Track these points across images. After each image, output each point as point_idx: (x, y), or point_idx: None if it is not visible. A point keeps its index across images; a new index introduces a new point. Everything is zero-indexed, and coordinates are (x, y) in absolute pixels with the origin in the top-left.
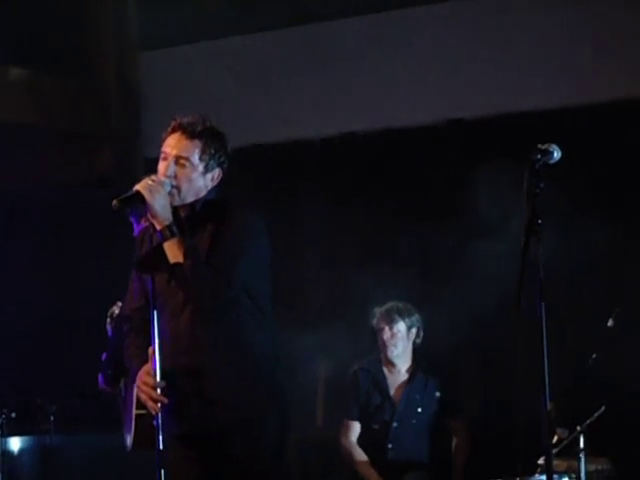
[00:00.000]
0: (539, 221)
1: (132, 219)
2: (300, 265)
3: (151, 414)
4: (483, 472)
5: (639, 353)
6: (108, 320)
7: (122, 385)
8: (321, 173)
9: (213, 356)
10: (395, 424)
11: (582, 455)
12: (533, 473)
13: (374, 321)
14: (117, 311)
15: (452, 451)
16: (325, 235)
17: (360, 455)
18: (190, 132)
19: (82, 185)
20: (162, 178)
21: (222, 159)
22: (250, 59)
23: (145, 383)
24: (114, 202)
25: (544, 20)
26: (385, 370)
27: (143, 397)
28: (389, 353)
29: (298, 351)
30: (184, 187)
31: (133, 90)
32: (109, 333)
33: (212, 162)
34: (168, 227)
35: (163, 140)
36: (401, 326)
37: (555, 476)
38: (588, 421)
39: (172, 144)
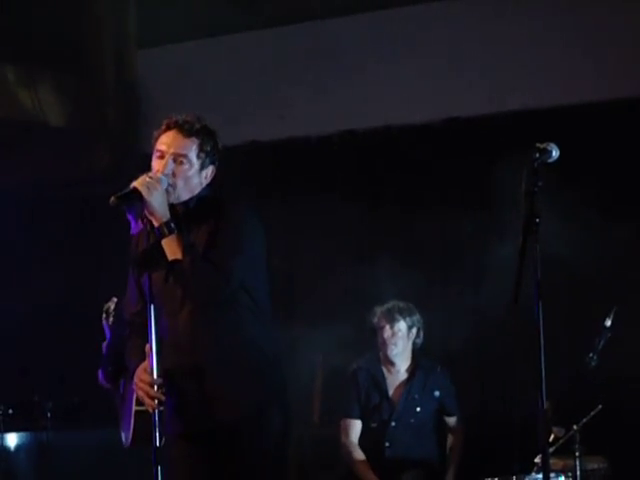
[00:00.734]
0: (537, 220)
1: (130, 216)
2: (297, 263)
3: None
4: (480, 471)
5: (636, 352)
6: (104, 316)
7: (121, 382)
8: (319, 171)
9: (213, 354)
10: (393, 423)
11: (578, 454)
12: (529, 472)
13: (374, 320)
14: (112, 307)
15: (447, 449)
16: (323, 233)
17: (359, 455)
18: (187, 130)
19: (80, 182)
20: (159, 175)
21: (215, 157)
22: (249, 56)
23: (142, 380)
24: (112, 199)
25: (542, 20)
26: (384, 369)
27: (140, 394)
28: (389, 352)
29: (294, 348)
30: (181, 184)
31: (131, 87)
32: (105, 329)
33: (207, 160)
34: (166, 224)
35: (156, 138)
36: (402, 325)
37: (551, 475)
38: (584, 420)
39: (168, 142)
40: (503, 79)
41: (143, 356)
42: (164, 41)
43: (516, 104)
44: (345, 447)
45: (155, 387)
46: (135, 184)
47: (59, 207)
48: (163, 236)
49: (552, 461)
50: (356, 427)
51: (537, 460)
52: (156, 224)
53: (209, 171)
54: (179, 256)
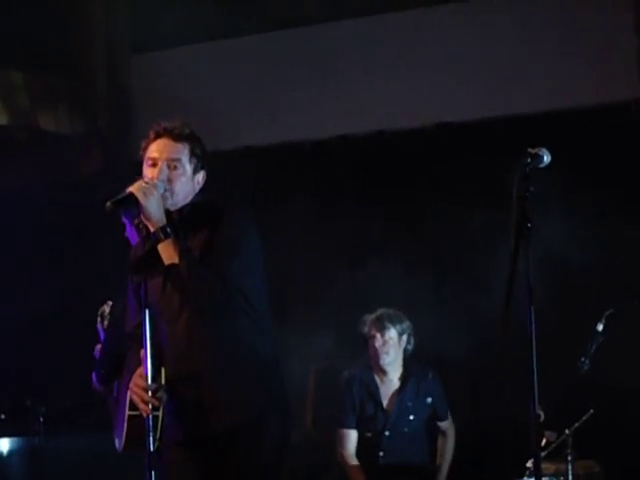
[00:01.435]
0: (529, 225)
1: (125, 220)
2: (290, 268)
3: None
4: (473, 475)
5: (628, 357)
6: (99, 319)
7: (115, 385)
8: (312, 176)
9: (212, 361)
10: (387, 433)
11: (570, 458)
12: (522, 476)
13: (365, 329)
14: (107, 310)
15: (438, 451)
16: (316, 238)
17: (356, 465)
18: (177, 135)
19: (73, 186)
20: (155, 180)
21: (204, 162)
22: (243, 61)
23: (137, 385)
24: (108, 204)
25: (535, 24)
26: (377, 379)
27: (135, 399)
28: (381, 361)
29: (286, 354)
30: (177, 189)
31: (124, 91)
32: (100, 332)
33: (199, 164)
34: (162, 229)
35: (145, 148)
36: (392, 333)
37: (543, 479)
38: (577, 424)
39: (160, 149)
40: (496, 84)
41: (140, 362)
42: (158, 46)
43: (509, 109)
44: (342, 457)
45: (149, 392)
46: (131, 189)
47: (53, 211)
48: (159, 241)
49: (544, 465)
50: (352, 437)
51: (529, 464)
52: (152, 229)
53: (201, 176)
54: (176, 260)
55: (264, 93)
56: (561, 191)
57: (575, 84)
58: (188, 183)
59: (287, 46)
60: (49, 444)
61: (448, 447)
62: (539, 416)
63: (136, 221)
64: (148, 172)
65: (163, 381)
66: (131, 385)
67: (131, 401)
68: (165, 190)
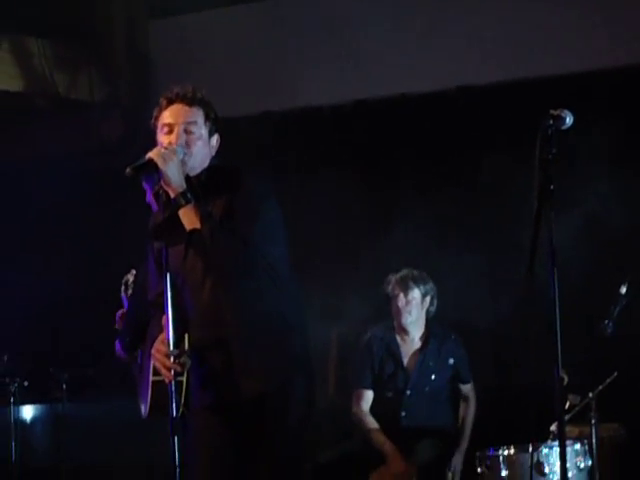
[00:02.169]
0: (551, 187)
1: (146, 185)
2: (311, 232)
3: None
4: (495, 439)
5: None
6: (123, 288)
7: (139, 352)
8: (331, 140)
9: (239, 326)
10: (408, 392)
11: (594, 421)
12: (545, 439)
13: (389, 288)
14: (131, 279)
15: (460, 416)
16: (337, 203)
17: (372, 423)
18: (190, 99)
19: (90, 154)
20: (174, 146)
21: (218, 125)
22: (261, 26)
23: (159, 351)
24: (128, 170)
25: None
26: (398, 338)
27: (157, 365)
28: (403, 320)
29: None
30: (195, 153)
31: (143, 58)
32: (124, 301)
33: (213, 128)
34: (182, 194)
35: (157, 116)
36: (416, 293)
37: (567, 442)
38: (600, 387)
39: (175, 114)
40: (518, 46)
41: (162, 329)
42: (176, 11)
43: (530, 71)
44: (356, 416)
45: (171, 358)
46: (151, 154)
47: (74, 178)
48: (180, 206)
49: (568, 429)
50: (368, 397)
51: (552, 428)
52: (172, 194)
53: (215, 140)
54: (197, 225)
55: (283, 58)
56: (587, 154)
57: (596, 46)
58: (205, 147)
59: (307, 10)
60: (72, 411)
61: (470, 412)
62: (563, 379)
63: (156, 188)
64: (164, 139)
65: (187, 347)
66: (153, 351)
67: (154, 367)
68: (185, 155)
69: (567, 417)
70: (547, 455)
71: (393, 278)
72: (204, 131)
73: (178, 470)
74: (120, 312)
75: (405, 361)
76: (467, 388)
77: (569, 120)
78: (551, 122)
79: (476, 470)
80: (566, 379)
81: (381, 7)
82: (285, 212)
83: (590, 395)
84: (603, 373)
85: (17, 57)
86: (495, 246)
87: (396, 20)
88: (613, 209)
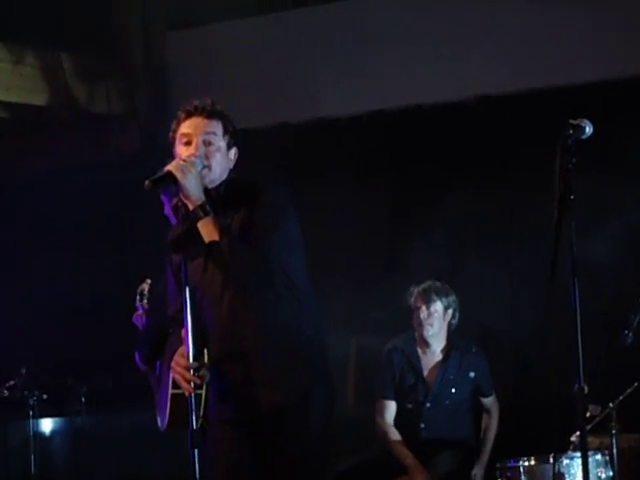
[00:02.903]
0: (571, 197)
1: (164, 198)
2: (330, 244)
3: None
4: (516, 450)
5: None
6: (138, 297)
7: (157, 365)
8: (348, 151)
9: (258, 339)
10: (428, 404)
11: (615, 431)
12: (565, 450)
13: (411, 300)
14: (147, 289)
15: (482, 429)
16: (355, 213)
17: (394, 435)
18: (209, 112)
19: (108, 166)
20: (193, 158)
21: (236, 138)
22: (278, 38)
23: (179, 364)
24: (146, 182)
25: None
26: (419, 350)
27: (177, 378)
28: (425, 332)
29: (328, 329)
30: (214, 165)
31: (160, 70)
32: (139, 309)
33: (231, 141)
34: (201, 206)
35: (175, 129)
36: (438, 306)
37: (588, 453)
38: (621, 397)
39: (194, 126)
40: (535, 55)
41: (182, 341)
42: (193, 24)
43: (548, 81)
44: (380, 427)
45: (191, 371)
46: (169, 167)
47: (91, 191)
48: (199, 219)
49: (588, 439)
50: (391, 408)
51: (573, 438)
52: (191, 207)
53: (233, 152)
54: (216, 237)
55: (299, 69)
56: (608, 163)
57: (615, 55)
58: (224, 159)
59: (323, 21)
60: (91, 424)
61: (492, 426)
62: (584, 389)
63: (174, 200)
64: (182, 150)
65: (206, 361)
66: (173, 364)
67: (174, 380)
68: (205, 167)
69: (587, 427)
70: (568, 466)
71: (415, 290)
72: (223, 143)
73: None
74: (136, 315)
75: (425, 373)
76: (489, 401)
77: (589, 130)
78: (571, 132)
79: None
80: (586, 389)
81: (398, 17)
82: (303, 223)
83: (611, 405)
84: (623, 383)
85: (35, 70)
86: (516, 257)
87: (413, 30)
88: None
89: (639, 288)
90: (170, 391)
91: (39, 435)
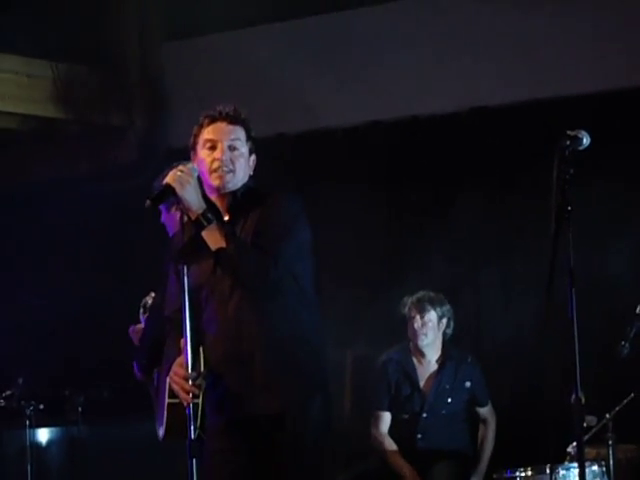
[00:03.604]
0: (569, 208)
1: (162, 207)
2: (325, 255)
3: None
4: (512, 461)
5: None
6: (141, 311)
7: (155, 374)
8: (345, 162)
9: (261, 343)
10: (425, 415)
11: (611, 442)
12: (562, 461)
13: (405, 310)
14: (150, 302)
15: (479, 439)
16: (351, 224)
17: (390, 445)
18: (233, 118)
19: (106, 177)
20: (190, 165)
21: (255, 145)
22: (273, 48)
23: (177, 374)
24: (147, 202)
25: (569, 4)
26: (414, 360)
27: (175, 388)
28: (419, 342)
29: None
30: (238, 170)
31: (156, 81)
32: (143, 323)
33: (252, 147)
34: (203, 215)
35: (197, 134)
36: (432, 315)
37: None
38: (617, 408)
39: (219, 131)
40: (531, 67)
41: (180, 351)
42: (190, 34)
43: (544, 92)
44: (375, 438)
45: (189, 381)
46: (167, 180)
47: (89, 201)
48: (202, 228)
49: (585, 450)
50: (386, 419)
51: (569, 449)
52: (193, 217)
53: (252, 159)
54: (223, 244)
55: (296, 80)
56: (605, 174)
57: (611, 66)
58: (246, 165)
59: (319, 32)
60: (88, 434)
61: (489, 436)
62: (581, 400)
63: (172, 209)
64: (206, 155)
65: (202, 365)
66: (171, 374)
67: (170, 389)
68: (228, 172)
69: (584, 438)
70: (565, 477)
71: (409, 300)
72: (245, 149)
73: None
74: (132, 328)
75: (421, 383)
76: (485, 411)
77: (586, 141)
78: (568, 143)
79: None
80: (583, 399)
81: (395, 29)
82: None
83: (607, 416)
84: (620, 394)
85: (33, 81)
86: (512, 267)
87: (410, 42)
88: (626, 229)
89: (635, 299)
90: (167, 400)
91: (36, 445)
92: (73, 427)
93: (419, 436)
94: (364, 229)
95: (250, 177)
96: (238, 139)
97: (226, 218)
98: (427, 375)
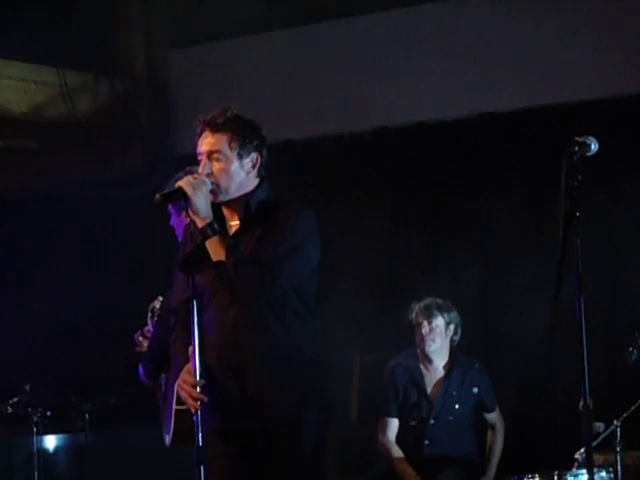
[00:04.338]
0: (577, 214)
1: (172, 209)
2: (333, 261)
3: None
4: (520, 467)
5: None
6: (149, 315)
7: (162, 380)
8: (352, 168)
9: (257, 353)
10: (432, 421)
11: (619, 449)
12: (570, 467)
13: (412, 316)
14: (158, 306)
15: (487, 446)
16: (358, 230)
17: (397, 452)
18: (214, 126)
19: (113, 183)
20: (203, 177)
21: (256, 143)
22: (281, 55)
23: (185, 381)
24: (157, 196)
25: (576, 11)
26: (422, 367)
27: (184, 395)
28: (427, 348)
29: (332, 347)
30: (223, 181)
31: (163, 87)
32: (150, 328)
33: (245, 149)
34: (209, 225)
35: (197, 144)
36: (439, 321)
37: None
38: (625, 414)
39: (202, 143)
40: (538, 73)
41: (187, 356)
42: (197, 41)
43: (552, 98)
44: (382, 445)
45: (198, 388)
46: (180, 183)
47: (95, 207)
48: (207, 237)
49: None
50: (393, 425)
51: (577, 456)
52: (199, 225)
53: (252, 158)
54: (223, 257)
55: (303, 86)
56: (612, 179)
57: (618, 72)
58: (237, 173)
59: (326, 38)
60: (95, 441)
61: (497, 441)
62: (589, 406)
63: (182, 213)
64: (200, 167)
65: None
66: (179, 381)
67: (178, 396)
68: (214, 185)
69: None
70: None
71: (417, 306)
72: (230, 156)
73: None
74: (138, 334)
75: (429, 390)
76: (493, 416)
77: (594, 147)
78: (576, 149)
79: None
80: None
81: (401, 35)
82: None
83: (615, 422)
84: (628, 400)
85: (40, 87)
86: (518, 273)
87: (416, 48)
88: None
89: None
90: (174, 407)
91: (43, 452)
92: (80, 434)
93: (426, 442)
94: (371, 234)
95: (262, 179)
96: (218, 151)
97: (235, 223)
98: (434, 381)
